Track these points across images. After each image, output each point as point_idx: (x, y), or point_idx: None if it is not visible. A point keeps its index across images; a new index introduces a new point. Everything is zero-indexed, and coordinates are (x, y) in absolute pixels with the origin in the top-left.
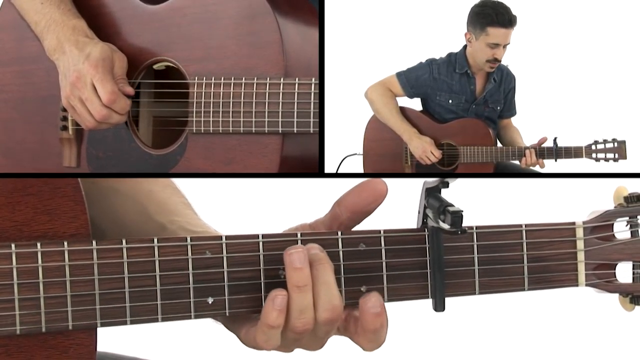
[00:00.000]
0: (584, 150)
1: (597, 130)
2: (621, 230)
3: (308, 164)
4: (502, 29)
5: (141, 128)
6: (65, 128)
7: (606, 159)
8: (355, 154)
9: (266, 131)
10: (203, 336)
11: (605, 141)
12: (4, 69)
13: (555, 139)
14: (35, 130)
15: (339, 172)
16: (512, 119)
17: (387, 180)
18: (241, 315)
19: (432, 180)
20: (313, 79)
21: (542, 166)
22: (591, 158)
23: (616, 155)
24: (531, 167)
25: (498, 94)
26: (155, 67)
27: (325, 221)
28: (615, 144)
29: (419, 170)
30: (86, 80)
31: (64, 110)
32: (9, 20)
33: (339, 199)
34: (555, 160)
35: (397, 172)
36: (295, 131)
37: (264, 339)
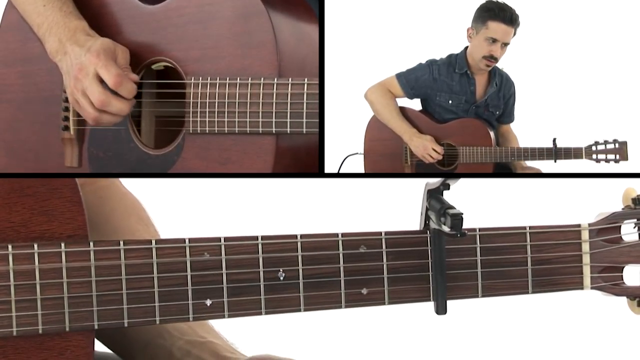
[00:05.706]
0: (583, 151)
1: (598, 130)
2: (629, 232)
3: (302, 164)
4: (502, 25)
5: (143, 128)
6: (66, 128)
7: (607, 160)
8: (357, 153)
9: (260, 132)
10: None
11: (606, 142)
12: (8, 69)
13: (554, 140)
14: (37, 130)
15: (340, 171)
16: (511, 124)
17: (387, 180)
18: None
19: (433, 182)
20: (306, 80)
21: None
22: (591, 159)
23: (617, 156)
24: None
25: (497, 99)
26: (154, 67)
27: None
28: (617, 145)
29: (419, 170)
30: (89, 70)
31: (66, 110)
32: (14, 20)
33: None
34: (555, 161)
35: (397, 172)
36: (288, 132)
37: None
